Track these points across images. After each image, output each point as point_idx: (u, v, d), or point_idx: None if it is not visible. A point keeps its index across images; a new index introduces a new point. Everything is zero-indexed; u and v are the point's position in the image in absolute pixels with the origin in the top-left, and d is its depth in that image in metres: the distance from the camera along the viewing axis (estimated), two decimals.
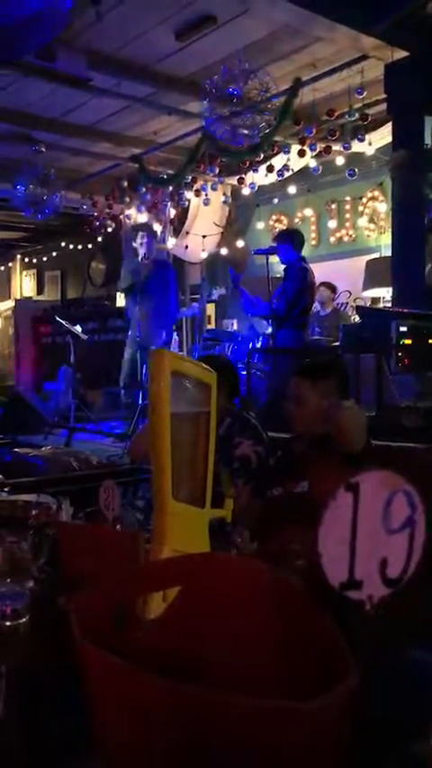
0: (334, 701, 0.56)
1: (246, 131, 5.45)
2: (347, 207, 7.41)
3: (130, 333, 6.69)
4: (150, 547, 1.22)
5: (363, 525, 0.62)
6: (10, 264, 13.43)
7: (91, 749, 0.64)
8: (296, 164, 6.44)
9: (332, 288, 6.81)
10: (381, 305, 6.49)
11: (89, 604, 0.70)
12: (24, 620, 0.77)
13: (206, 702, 0.56)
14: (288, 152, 6.32)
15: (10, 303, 12.55)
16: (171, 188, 7.48)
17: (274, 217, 8.29)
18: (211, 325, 8.84)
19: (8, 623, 0.75)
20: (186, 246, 8.22)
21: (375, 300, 6.74)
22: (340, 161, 6.36)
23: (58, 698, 0.79)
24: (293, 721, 0.55)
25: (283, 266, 5.78)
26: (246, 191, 7.21)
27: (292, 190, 7.33)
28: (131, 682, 0.57)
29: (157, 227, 8.17)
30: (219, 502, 1.56)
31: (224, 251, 8.34)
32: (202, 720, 0.56)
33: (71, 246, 10.91)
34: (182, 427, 1.34)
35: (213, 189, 7.41)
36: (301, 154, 6.14)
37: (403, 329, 4.23)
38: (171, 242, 8.30)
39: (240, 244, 8.30)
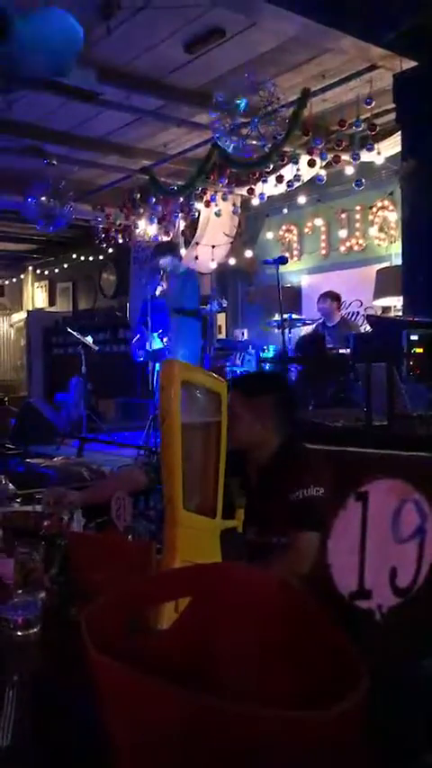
0: (344, 710, 0.56)
1: (255, 142, 5.47)
2: (358, 216, 7.42)
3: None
4: (162, 557, 1.23)
5: (372, 534, 0.61)
6: (22, 276, 13.53)
7: (102, 758, 0.64)
8: (306, 174, 6.46)
9: (336, 297, 6.54)
10: (392, 314, 6.47)
11: (100, 614, 0.70)
12: (36, 629, 0.77)
13: (219, 713, 0.56)
14: (297, 162, 6.34)
15: (22, 314, 12.65)
16: (181, 199, 7.52)
17: (283, 227, 8.31)
18: (222, 335, 8.86)
19: (20, 633, 0.76)
20: (196, 257, 8.25)
21: (386, 309, 6.72)
22: (350, 171, 6.36)
23: (70, 707, 0.79)
24: (304, 731, 0.55)
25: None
26: (255, 201, 7.23)
27: (301, 200, 7.35)
28: (143, 691, 0.57)
29: (166, 239, 8.24)
30: (230, 512, 1.56)
31: (233, 261, 8.36)
32: (214, 730, 0.56)
33: (82, 258, 10.98)
34: (193, 437, 1.35)
35: (224, 199, 7.44)
36: (311, 164, 6.16)
37: (414, 338, 4.21)
38: (181, 252, 8.34)
39: (249, 254, 8.32)
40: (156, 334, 6.71)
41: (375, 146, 5.84)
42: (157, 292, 6.31)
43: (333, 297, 6.52)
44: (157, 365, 6.50)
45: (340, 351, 5.68)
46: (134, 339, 6.90)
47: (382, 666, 0.67)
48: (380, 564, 0.62)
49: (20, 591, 1.31)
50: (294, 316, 7.15)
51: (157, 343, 6.75)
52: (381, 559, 0.62)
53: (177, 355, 6.00)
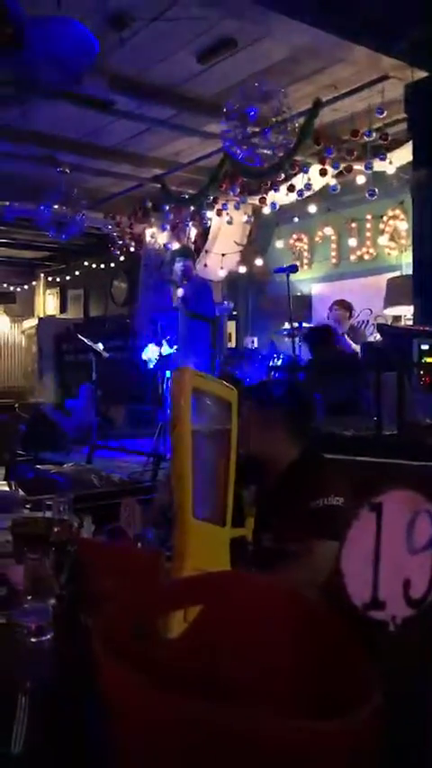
0: (357, 722, 0.56)
1: (266, 151, 5.49)
2: (368, 225, 7.42)
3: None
4: (171, 565, 1.23)
5: (386, 545, 0.61)
6: (34, 283, 13.61)
7: (113, 766, 0.64)
8: (317, 183, 6.47)
9: (347, 306, 6.54)
10: (402, 323, 6.46)
11: (111, 622, 0.70)
12: (49, 636, 0.78)
13: (229, 722, 0.56)
14: (308, 171, 6.36)
15: (34, 321, 12.71)
16: (193, 208, 7.55)
17: (294, 235, 8.33)
18: (232, 343, 8.87)
19: (33, 639, 0.76)
20: (205, 265, 8.28)
21: (396, 319, 6.70)
22: (361, 180, 6.37)
23: (82, 714, 0.79)
24: (317, 742, 0.55)
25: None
26: (266, 210, 7.25)
27: (312, 209, 7.36)
28: (154, 700, 0.57)
29: (177, 247, 8.27)
30: (239, 520, 1.56)
31: (244, 269, 8.38)
32: (224, 740, 0.55)
33: (94, 266, 11.03)
34: (203, 444, 1.35)
35: (235, 208, 7.47)
36: (322, 173, 6.17)
37: (425, 347, 4.20)
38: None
39: (260, 262, 8.34)
40: (165, 341, 6.72)
41: (387, 155, 5.85)
42: (175, 298, 6.30)
43: (344, 306, 6.50)
44: (168, 372, 6.51)
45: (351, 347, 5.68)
46: (144, 348, 6.91)
47: (396, 678, 0.66)
48: (394, 575, 0.62)
49: (29, 597, 1.31)
50: (304, 324, 7.15)
51: (166, 350, 6.76)
52: (394, 570, 0.62)
53: (189, 363, 6.00)
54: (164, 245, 8.47)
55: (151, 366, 6.87)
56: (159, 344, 6.74)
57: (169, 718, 0.57)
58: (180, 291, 6.46)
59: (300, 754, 0.55)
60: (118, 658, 0.60)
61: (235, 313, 8.95)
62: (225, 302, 7.95)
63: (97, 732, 0.67)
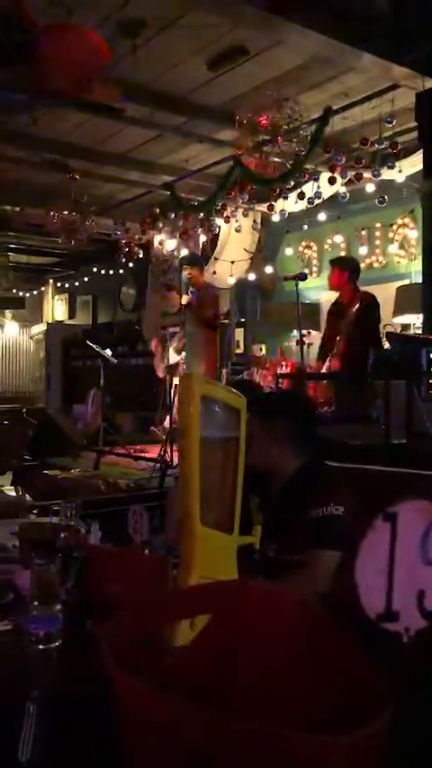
0: (368, 735, 0.55)
1: (276, 159, 5.50)
2: (378, 234, 7.41)
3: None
4: (178, 572, 1.22)
5: (400, 556, 0.60)
6: (43, 289, 13.67)
7: None
8: (326, 191, 6.47)
9: None
10: (411, 331, 6.44)
11: (119, 631, 0.70)
12: (57, 643, 0.77)
13: (239, 733, 0.55)
14: (318, 179, 6.36)
15: (42, 327, 12.75)
16: (202, 215, 7.56)
17: (303, 243, 8.32)
18: (240, 350, 8.87)
19: (41, 647, 0.75)
20: (214, 272, 8.27)
21: (406, 327, 6.69)
22: (371, 188, 6.36)
23: (90, 722, 0.78)
24: (326, 754, 0.54)
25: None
26: (276, 217, 7.25)
27: (321, 216, 7.35)
28: (163, 710, 0.57)
29: (185, 253, 8.27)
30: (247, 528, 1.55)
31: (252, 276, 8.38)
32: (233, 750, 0.55)
33: (103, 272, 11.07)
34: (211, 452, 1.34)
35: (244, 216, 7.47)
36: (332, 181, 6.17)
37: None
38: None
39: (269, 270, 8.33)
40: (172, 348, 6.72)
41: (397, 164, 5.85)
42: (184, 301, 6.27)
43: None
44: (175, 379, 6.51)
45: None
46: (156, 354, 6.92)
47: (409, 690, 0.65)
48: (408, 586, 0.61)
49: (36, 603, 1.30)
50: (313, 332, 7.14)
51: (173, 357, 6.76)
52: (409, 581, 0.61)
53: (198, 370, 5.99)
54: (171, 251, 8.48)
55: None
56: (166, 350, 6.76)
57: (179, 728, 0.56)
58: (185, 299, 6.44)
59: (310, 765, 0.54)
60: (127, 667, 0.59)
61: (243, 320, 8.95)
62: (230, 310, 7.95)
63: (105, 741, 0.66)
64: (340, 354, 5.69)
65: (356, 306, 5.68)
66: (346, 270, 5.85)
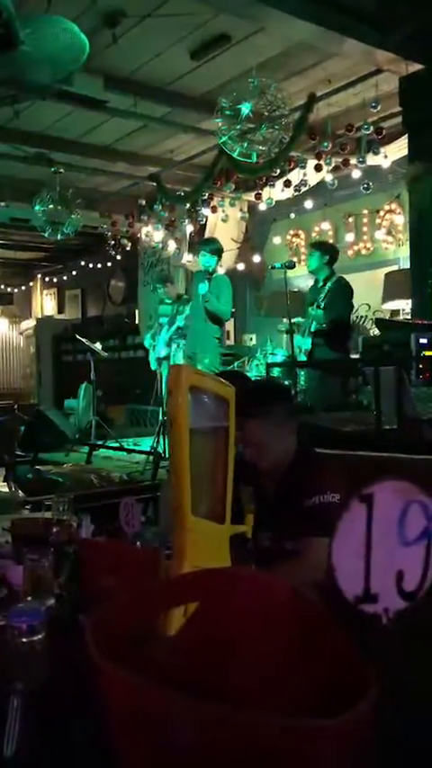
0: (355, 718, 0.55)
1: (261, 147, 5.47)
2: (365, 220, 7.41)
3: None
4: (170, 563, 1.22)
5: (377, 537, 0.60)
6: (31, 284, 13.60)
7: (107, 766, 0.63)
8: (313, 178, 6.46)
9: None
10: (400, 317, 6.45)
11: (106, 620, 0.70)
12: (40, 636, 0.77)
13: (227, 721, 0.55)
14: (304, 167, 6.34)
15: (32, 322, 12.71)
16: (188, 205, 7.53)
17: (291, 231, 8.31)
18: (230, 341, 8.86)
19: (25, 640, 0.75)
20: None
21: (395, 313, 6.70)
22: (357, 175, 6.36)
23: (76, 716, 0.79)
24: (315, 739, 0.54)
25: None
26: (262, 206, 7.24)
27: (308, 204, 7.35)
28: (150, 700, 0.57)
29: (172, 245, 8.23)
30: (239, 517, 1.56)
31: (241, 266, 8.36)
32: (223, 740, 0.55)
33: (91, 265, 11.03)
34: (201, 442, 1.34)
35: (231, 205, 7.45)
36: (318, 168, 6.16)
37: (423, 341, 4.19)
38: (187, 258, 8.34)
39: (257, 259, 8.32)
40: (165, 340, 6.69)
41: (382, 149, 5.84)
42: (201, 292, 6.02)
43: None
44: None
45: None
46: (152, 347, 6.86)
47: (392, 672, 0.66)
48: (386, 567, 0.61)
49: (29, 598, 1.30)
50: (302, 320, 7.13)
51: (166, 350, 6.72)
52: (387, 562, 0.61)
53: (201, 363, 5.90)
54: (158, 243, 8.44)
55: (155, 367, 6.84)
56: (160, 343, 6.72)
57: (165, 716, 0.56)
58: (201, 287, 6.16)
59: (299, 751, 0.54)
60: (113, 657, 0.59)
61: (233, 310, 8.92)
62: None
63: (92, 734, 0.66)
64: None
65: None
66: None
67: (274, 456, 2.01)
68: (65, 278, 12.31)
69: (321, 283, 5.86)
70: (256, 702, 0.72)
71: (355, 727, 0.54)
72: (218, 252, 6.18)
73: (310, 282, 8.02)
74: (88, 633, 0.63)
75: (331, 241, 7.78)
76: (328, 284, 5.78)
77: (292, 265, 5.77)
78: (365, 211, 7.35)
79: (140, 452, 6.06)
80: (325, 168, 6.14)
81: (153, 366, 6.89)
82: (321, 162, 6.06)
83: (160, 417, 6.16)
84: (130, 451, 6.37)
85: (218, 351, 6.16)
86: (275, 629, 0.78)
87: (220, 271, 8.20)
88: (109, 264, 10.38)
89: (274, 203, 7.03)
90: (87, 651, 0.61)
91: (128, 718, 0.59)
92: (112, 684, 0.59)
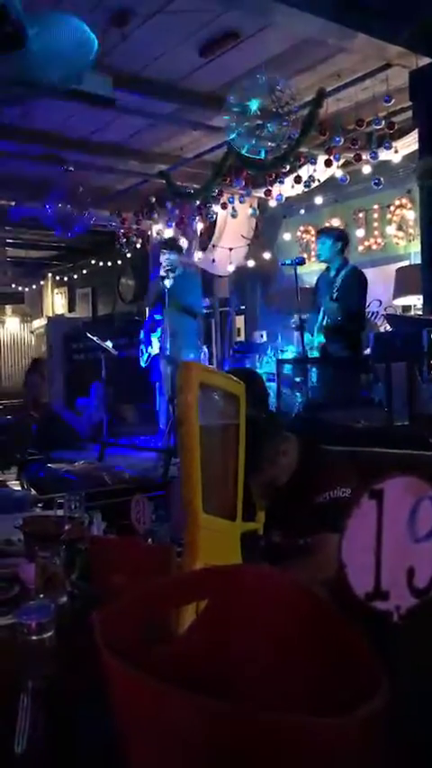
0: (365, 717, 0.55)
1: (270, 143, 5.46)
2: (375, 215, 7.37)
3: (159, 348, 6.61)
4: (182, 560, 1.22)
5: (388, 533, 0.60)
6: (42, 283, 13.64)
7: (118, 766, 0.63)
8: (323, 174, 6.43)
9: None
10: (412, 313, 6.42)
11: (115, 617, 0.70)
12: (49, 634, 0.77)
13: (237, 719, 0.55)
14: (314, 162, 6.32)
15: (42, 321, 12.75)
16: (198, 202, 7.52)
17: (301, 228, 8.28)
18: (241, 338, 8.85)
19: (34, 638, 0.75)
20: (213, 260, 8.25)
21: (406, 308, 6.66)
22: (367, 170, 6.33)
23: (86, 713, 0.79)
24: (325, 737, 0.54)
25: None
26: (272, 202, 7.22)
27: (318, 200, 7.32)
28: (159, 697, 0.57)
29: (184, 242, 8.21)
30: (251, 514, 1.56)
31: (251, 263, 8.35)
32: (233, 738, 0.55)
33: (101, 264, 11.04)
34: (212, 440, 1.34)
35: (241, 202, 7.44)
36: (328, 164, 6.14)
37: None
38: (198, 255, 8.34)
39: (268, 256, 8.31)
40: (157, 338, 6.66)
41: (392, 144, 5.81)
42: (167, 284, 6.00)
43: None
44: (163, 369, 6.49)
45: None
46: (145, 346, 6.86)
47: (401, 670, 0.65)
48: (397, 564, 0.61)
49: (41, 596, 1.31)
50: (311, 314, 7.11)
51: (156, 347, 6.68)
52: (397, 559, 0.61)
53: (182, 359, 5.90)
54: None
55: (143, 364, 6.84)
56: (149, 342, 6.71)
57: (176, 715, 0.56)
58: (168, 283, 6.14)
59: (309, 749, 0.54)
60: (122, 654, 0.59)
61: (243, 307, 8.92)
62: (206, 298, 7.80)
63: (102, 732, 0.66)
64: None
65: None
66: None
67: (282, 472, 1.99)
68: (75, 276, 12.34)
69: (334, 273, 5.66)
70: (264, 701, 0.72)
71: (366, 725, 0.54)
72: None
73: None
74: (97, 630, 0.63)
75: None
76: (342, 273, 5.58)
77: (302, 262, 5.76)
78: (376, 207, 7.31)
79: (152, 450, 6.07)
80: (335, 164, 6.12)
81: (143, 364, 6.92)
82: (331, 158, 6.04)
83: (170, 415, 6.16)
84: (141, 449, 6.38)
85: (198, 348, 6.18)
86: (285, 627, 0.78)
87: (231, 268, 8.21)
88: (119, 263, 10.39)
89: (284, 199, 7.01)
90: (94, 647, 0.61)
91: (136, 715, 0.59)
92: (120, 681, 0.59)
